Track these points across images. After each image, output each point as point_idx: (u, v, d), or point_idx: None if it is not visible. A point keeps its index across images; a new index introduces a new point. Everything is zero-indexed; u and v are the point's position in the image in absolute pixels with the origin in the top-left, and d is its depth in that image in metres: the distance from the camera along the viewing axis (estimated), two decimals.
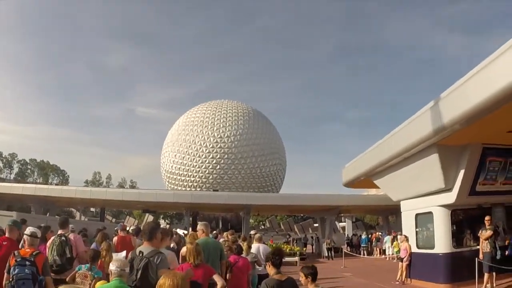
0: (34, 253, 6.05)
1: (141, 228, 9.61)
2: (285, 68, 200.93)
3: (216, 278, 6.04)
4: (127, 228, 13.85)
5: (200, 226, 8.44)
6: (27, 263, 5.81)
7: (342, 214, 56.10)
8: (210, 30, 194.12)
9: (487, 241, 13.36)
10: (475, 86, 10.43)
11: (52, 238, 8.28)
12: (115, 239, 11.19)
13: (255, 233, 13.35)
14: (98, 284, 5.36)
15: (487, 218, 13.69)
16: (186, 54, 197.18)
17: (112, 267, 4.68)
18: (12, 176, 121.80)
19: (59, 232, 8.45)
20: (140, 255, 5.28)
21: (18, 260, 5.81)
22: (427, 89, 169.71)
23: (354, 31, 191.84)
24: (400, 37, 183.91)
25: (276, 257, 5.68)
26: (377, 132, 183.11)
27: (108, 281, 4.83)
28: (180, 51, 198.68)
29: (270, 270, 5.69)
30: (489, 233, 13.46)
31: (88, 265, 7.11)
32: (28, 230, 6.63)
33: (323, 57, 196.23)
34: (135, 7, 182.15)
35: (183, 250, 7.71)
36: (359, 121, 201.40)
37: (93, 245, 10.98)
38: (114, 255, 6.41)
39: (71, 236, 8.71)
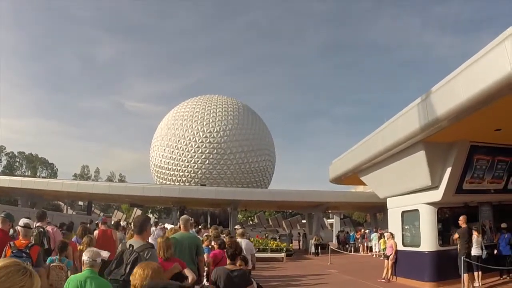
0: (29, 245, 6.32)
1: (131, 221, 9.51)
2: (273, 63, 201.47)
3: (187, 272, 5.99)
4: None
5: (180, 221, 8.34)
6: (24, 255, 6.02)
7: (330, 211, 56.20)
8: (199, 23, 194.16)
9: (460, 242, 13.46)
10: (463, 82, 10.29)
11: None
12: (96, 232, 11.08)
13: (241, 228, 13.19)
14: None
15: (460, 218, 13.71)
16: (175, 48, 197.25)
17: (84, 257, 4.91)
18: (0, 169, 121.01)
19: (37, 224, 8.46)
20: (130, 248, 5.20)
21: (14, 251, 6.01)
22: (415, 88, 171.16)
23: (343, 28, 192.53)
24: (389, 35, 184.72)
25: (229, 249, 5.86)
26: (364, 129, 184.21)
27: None
28: (169, 44, 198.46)
29: (227, 261, 5.87)
30: (455, 235, 13.71)
31: (57, 256, 7.10)
32: (22, 221, 6.94)
33: (311, 53, 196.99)
34: None
35: None
36: (346, 118, 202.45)
37: (74, 238, 10.88)
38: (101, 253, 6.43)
39: (49, 228, 8.66)
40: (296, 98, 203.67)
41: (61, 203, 74.31)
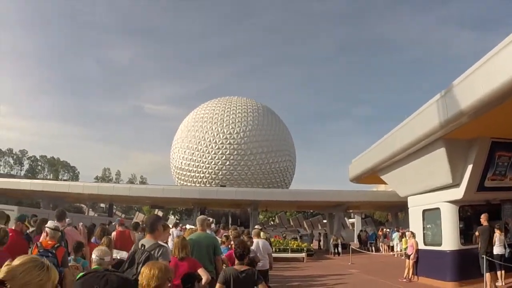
0: (55, 246, 6.37)
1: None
2: (289, 64, 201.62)
3: (201, 272, 5.95)
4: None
5: (197, 221, 8.33)
6: (50, 254, 6.03)
7: (350, 210, 55.80)
8: (215, 26, 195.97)
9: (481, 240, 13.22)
10: (483, 76, 10.08)
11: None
12: (113, 233, 11.11)
13: (260, 229, 13.13)
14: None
15: (482, 216, 13.45)
16: (192, 50, 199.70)
17: (93, 255, 4.99)
18: (23, 172, 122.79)
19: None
20: (142, 248, 5.14)
21: (41, 251, 6.06)
22: (433, 86, 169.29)
23: (358, 27, 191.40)
24: (407, 33, 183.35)
25: (237, 249, 5.81)
26: (383, 128, 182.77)
27: None
28: (187, 47, 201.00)
29: (236, 261, 5.81)
30: (476, 233, 13.45)
31: (72, 256, 7.15)
32: (52, 224, 6.96)
33: (327, 53, 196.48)
34: (143, 3, 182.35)
35: None
36: (365, 118, 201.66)
37: (93, 239, 10.93)
38: (115, 252, 6.51)
39: (68, 230, 8.64)
40: (313, 99, 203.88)
41: (83, 205, 75.09)
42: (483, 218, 13.33)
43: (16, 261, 2.19)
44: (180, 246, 6.20)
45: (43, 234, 7.16)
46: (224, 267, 7.12)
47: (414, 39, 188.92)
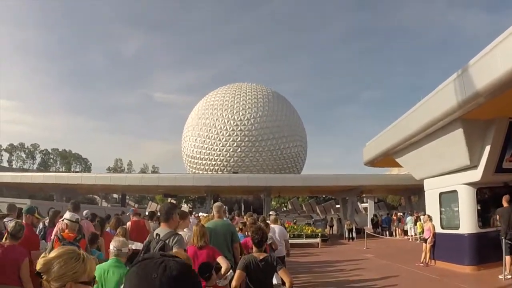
0: (77, 238, 6.26)
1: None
2: (298, 50, 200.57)
3: (221, 260, 5.79)
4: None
5: (213, 208, 8.18)
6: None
7: (364, 195, 55.55)
8: (223, 14, 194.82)
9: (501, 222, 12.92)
10: (501, 54, 9.78)
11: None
12: (128, 224, 11.02)
13: (275, 215, 13.00)
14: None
15: (504, 197, 12.95)
16: (200, 39, 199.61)
17: (111, 246, 4.88)
18: (35, 166, 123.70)
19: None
20: (157, 237, 5.10)
21: (63, 243, 5.82)
22: (444, 70, 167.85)
23: (366, 12, 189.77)
24: (416, 16, 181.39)
25: (255, 236, 5.61)
26: (393, 112, 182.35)
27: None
28: (195, 35, 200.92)
29: (254, 248, 5.61)
30: (497, 215, 13.13)
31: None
32: (72, 216, 7.04)
33: (336, 39, 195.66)
34: None
35: None
36: (375, 102, 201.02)
37: (108, 230, 10.85)
38: (130, 243, 6.40)
39: (83, 222, 8.51)
40: (323, 84, 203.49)
41: (96, 196, 75.51)
42: (505, 200, 13.00)
43: (52, 253, 2.22)
44: (199, 234, 6.08)
45: (59, 226, 7.04)
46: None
47: (423, 23, 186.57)
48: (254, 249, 5.55)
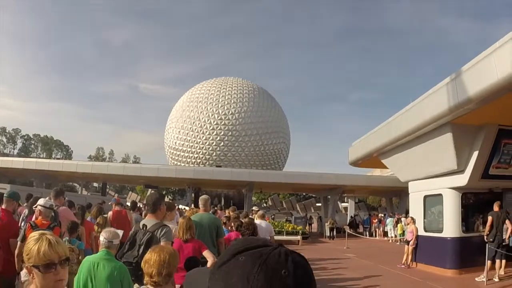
0: (51, 226, 6.09)
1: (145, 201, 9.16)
2: (288, 47, 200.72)
3: (207, 254, 5.65)
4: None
5: (200, 201, 7.98)
6: None
7: (345, 195, 55.76)
8: (214, 7, 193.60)
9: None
10: (497, 61, 9.74)
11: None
12: (110, 213, 10.82)
13: (257, 210, 12.87)
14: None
15: (495, 203, 13.22)
16: (190, 31, 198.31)
17: (101, 237, 4.57)
18: (16, 151, 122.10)
19: (52, 202, 8.01)
20: (144, 228, 4.97)
21: (36, 231, 5.54)
22: (431, 73, 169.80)
23: (358, 12, 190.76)
24: (406, 20, 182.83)
25: (246, 231, 5.40)
26: (379, 113, 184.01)
27: None
28: (184, 27, 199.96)
29: None
30: (489, 218, 13.16)
31: (67, 238, 6.77)
32: (47, 202, 6.62)
33: (327, 38, 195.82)
34: None
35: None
36: (362, 103, 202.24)
37: (88, 219, 10.63)
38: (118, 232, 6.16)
39: (61, 209, 8.16)
40: (311, 82, 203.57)
41: (76, 184, 74.77)
42: (496, 205, 13.14)
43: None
44: (185, 227, 5.89)
45: (36, 213, 6.76)
46: None
47: (414, 26, 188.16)
48: None
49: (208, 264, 5.51)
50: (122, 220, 10.44)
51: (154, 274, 3.25)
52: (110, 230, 4.72)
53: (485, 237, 13.14)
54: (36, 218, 6.41)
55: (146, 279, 3.35)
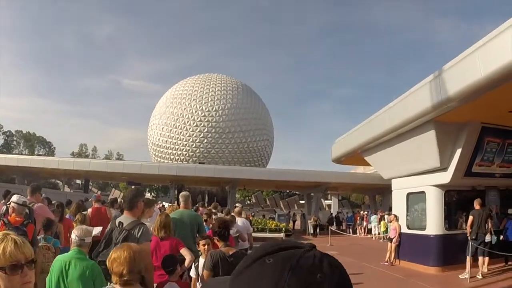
0: (25, 223, 5.99)
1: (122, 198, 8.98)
2: (272, 44, 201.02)
3: (184, 252, 5.53)
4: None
5: (180, 197, 7.84)
6: (21, 232, 5.50)
7: (329, 192, 55.93)
8: (199, 3, 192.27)
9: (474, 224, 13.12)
10: (481, 58, 9.70)
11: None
12: (89, 210, 10.62)
13: (242, 207, 12.76)
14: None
15: (476, 200, 13.40)
16: (174, 27, 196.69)
17: (72, 235, 4.39)
18: None
19: (28, 198, 7.79)
20: (120, 226, 4.81)
21: (10, 229, 5.34)
22: (415, 71, 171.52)
23: (343, 9, 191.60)
24: (390, 17, 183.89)
25: (221, 230, 5.19)
26: (363, 111, 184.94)
27: None
28: (169, 23, 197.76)
29: (218, 243, 5.21)
30: (470, 217, 13.29)
31: (42, 235, 6.60)
32: (20, 199, 6.41)
33: (311, 34, 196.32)
34: None
35: None
36: (345, 100, 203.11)
37: (67, 216, 10.42)
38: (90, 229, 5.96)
39: (37, 207, 7.91)
40: (295, 79, 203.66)
41: (58, 181, 73.94)
42: (477, 203, 13.24)
43: None
44: (159, 224, 5.78)
45: (10, 210, 6.57)
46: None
47: (399, 24, 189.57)
48: (220, 244, 5.17)
49: (186, 262, 5.38)
50: (102, 217, 10.24)
51: (126, 273, 3.11)
52: (81, 228, 4.54)
53: (468, 235, 13.19)
54: (10, 215, 6.22)
55: (114, 279, 3.21)
